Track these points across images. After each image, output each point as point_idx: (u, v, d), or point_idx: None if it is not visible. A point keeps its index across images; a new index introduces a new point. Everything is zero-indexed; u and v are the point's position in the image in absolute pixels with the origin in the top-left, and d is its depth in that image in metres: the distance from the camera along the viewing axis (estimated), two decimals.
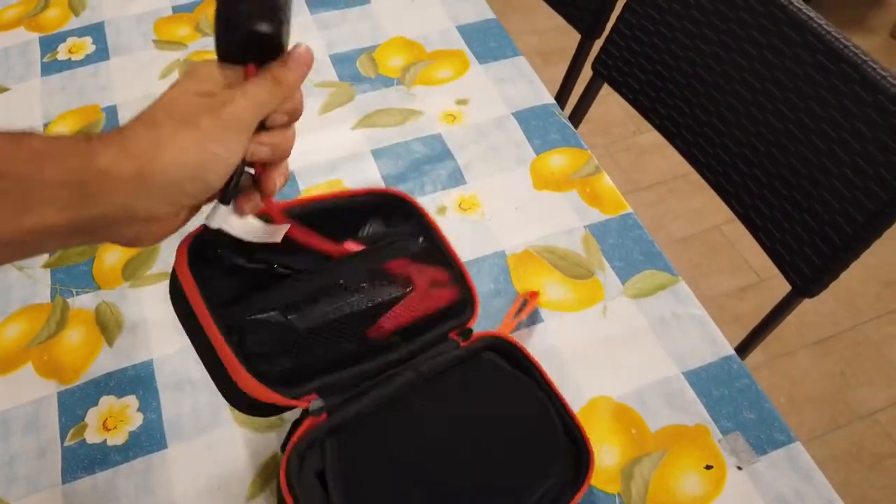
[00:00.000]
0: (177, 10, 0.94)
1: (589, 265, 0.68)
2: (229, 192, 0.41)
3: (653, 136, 1.06)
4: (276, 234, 0.46)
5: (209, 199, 0.41)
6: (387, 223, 0.58)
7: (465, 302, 0.58)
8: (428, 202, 0.73)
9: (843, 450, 1.40)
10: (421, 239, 0.58)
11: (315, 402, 0.48)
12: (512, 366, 0.56)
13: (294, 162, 0.77)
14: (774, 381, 1.49)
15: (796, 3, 0.81)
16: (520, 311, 0.64)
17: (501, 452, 0.51)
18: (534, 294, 0.66)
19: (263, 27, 0.37)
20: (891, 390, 1.48)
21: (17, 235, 0.34)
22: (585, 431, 0.52)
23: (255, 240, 0.45)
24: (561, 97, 1.16)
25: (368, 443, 0.50)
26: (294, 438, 0.47)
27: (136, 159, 0.35)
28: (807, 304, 0.88)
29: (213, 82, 0.38)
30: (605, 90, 1.08)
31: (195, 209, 0.41)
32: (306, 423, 0.48)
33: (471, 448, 0.51)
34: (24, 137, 0.34)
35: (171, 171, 0.36)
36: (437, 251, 0.58)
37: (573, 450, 0.51)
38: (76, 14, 0.94)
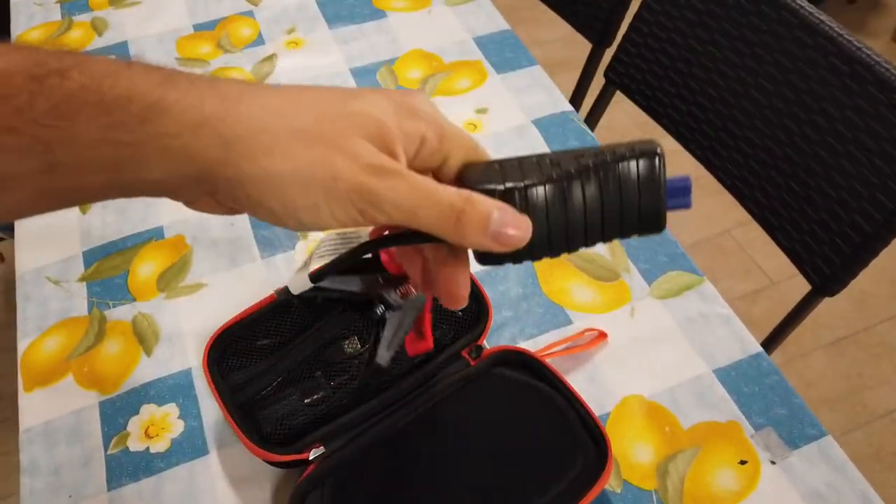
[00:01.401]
0: (198, 28, 0.96)
1: (615, 268, 0.69)
2: (322, 278, 0.37)
3: (664, 143, 1.07)
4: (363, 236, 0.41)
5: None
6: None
7: (473, 319, 0.60)
8: None
9: (861, 450, 1.40)
10: None
11: (316, 452, 0.52)
12: (530, 376, 0.57)
13: None
14: (790, 382, 1.49)
15: (807, 7, 0.83)
16: (577, 343, 0.63)
17: (516, 460, 0.53)
18: (603, 334, 0.64)
19: None
20: None
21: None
22: (602, 426, 0.53)
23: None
24: (574, 105, 1.17)
25: (369, 477, 0.52)
26: (298, 481, 0.51)
27: (226, 105, 0.29)
28: (820, 306, 0.89)
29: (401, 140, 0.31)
30: (616, 96, 1.09)
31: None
32: (310, 468, 0.52)
33: (482, 461, 0.53)
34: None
35: (257, 165, 0.29)
36: None
37: (594, 446, 0.53)
38: (99, 34, 0.96)
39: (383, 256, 0.46)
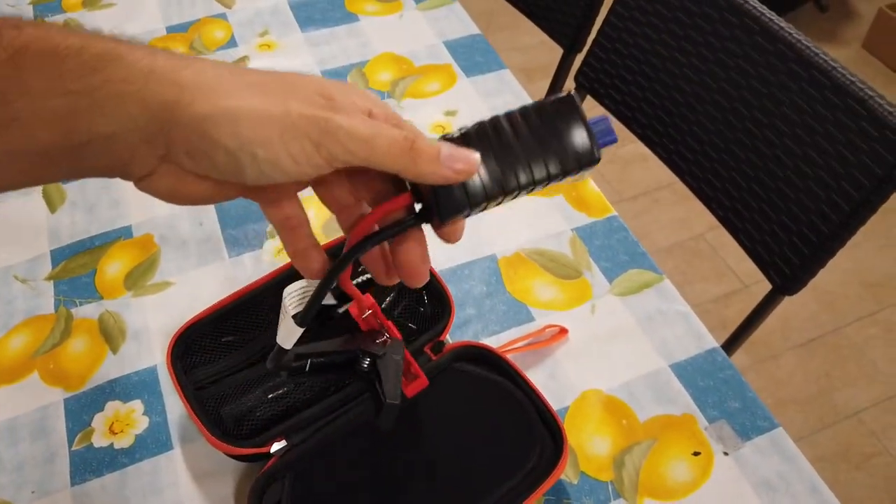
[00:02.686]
0: (171, 30, 0.97)
1: (577, 266, 0.71)
2: (308, 316, 0.37)
3: (635, 148, 1.09)
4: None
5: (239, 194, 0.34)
6: None
7: (439, 315, 0.61)
8: None
9: (830, 450, 1.43)
10: None
11: (277, 445, 0.53)
12: (490, 370, 0.58)
13: None
14: (761, 383, 1.52)
15: (768, 14, 0.85)
16: (538, 340, 0.65)
17: (476, 452, 0.54)
18: (563, 330, 0.66)
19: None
20: (874, 390, 1.51)
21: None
22: (559, 418, 0.55)
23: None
24: None
25: (330, 470, 0.53)
26: (258, 474, 0.52)
27: (182, 69, 0.30)
28: (790, 308, 0.91)
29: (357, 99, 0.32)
30: (588, 103, 1.11)
31: (223, 192, 0.34)
32: (270, 462, 0.53)
33: (442, 453, 0.54)
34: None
35: (224, 117, 0.29)
36: None
37: (551, 438, 0.54)
38: None
39: (354, 311, 0.46)
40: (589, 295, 0.69)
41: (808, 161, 0.82)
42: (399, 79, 0.90)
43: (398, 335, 0.46)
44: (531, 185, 0.34)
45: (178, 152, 0.31)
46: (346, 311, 0.45)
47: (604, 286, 0.69)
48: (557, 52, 1.15)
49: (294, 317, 0.37)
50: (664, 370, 0.63)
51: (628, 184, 1.89)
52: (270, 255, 0.72)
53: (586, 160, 0.34)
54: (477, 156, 0.33)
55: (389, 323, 0.46)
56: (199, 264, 0.71)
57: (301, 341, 0.40)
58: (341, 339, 0.46)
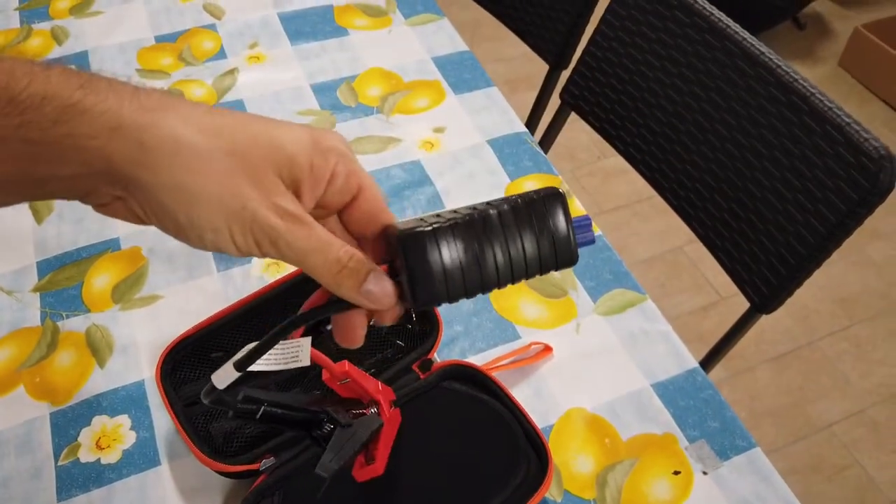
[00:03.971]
0: (159, 39, 0.97)
1: (562, 285, 0.72)
2: (244, 364, 0.36)
3: (616, 161, 1.11)
4: (303, 354, 0.39)
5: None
6: None
7: (427, 333, 0.62)
8: None
9: (802, 462, 1.46)
10: None
11: (266, 462, 0.54)
12: (477, 389, 0.59)
13: None
14: (735, 396, 1.55)
15: (749, 39, 0.87)
16: (523, 357, 0.66)
17: (462, 470, 0.55)
18: (548, 348, 0.66)
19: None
20: (846, 403, 1.55)
21: None
22: (544, 437, 0.56)
23: (279, 367, 0.39)
24: (530, 125, 1.21)
25: (318, 488, 0.53)
26: (248, 492, 0.52)
27: (144, 113, 0.30)
28: (765, 322, 0.93)
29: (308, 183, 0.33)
30: (571, 116, 1.13)
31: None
32: (260, 479, 0.53)
33: (430, 471, 0.55)
34: None
35: (174, 172, 0.30)
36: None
37: (536, 457, 0.55)
38: (59, 43, 0.96)
39: (326, 377, 0.46)
40: (574, 314, 0.70)
41: (785, 183, 0.84)
42: (388, 94, 0.91)
43: (385, 403, 0.46)
44: (508, 283, 0.34)
45: (133, 202, 0.31)
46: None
47: (588, 305, 0.71)
48: (540, 64, 1.17)
49: (236, 361, 0.36)
50: (646, 389, 0.65)
51: (608, 196, 1.92)
52: (259, 270, 0.72)
53: (565, 261, 0.34)
54: (393, 300, 0.34)
55: (374, 388, 0.45)
56: (187, 278, 0.71)
57: (287, 381, 0.39)
58: (312, 398, 0.46)
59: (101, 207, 0.32)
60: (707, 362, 0.97)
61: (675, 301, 1.70)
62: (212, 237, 0.31)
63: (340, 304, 0.35)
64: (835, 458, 1.46)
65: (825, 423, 1.52)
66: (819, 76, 2.32)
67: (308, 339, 0.39)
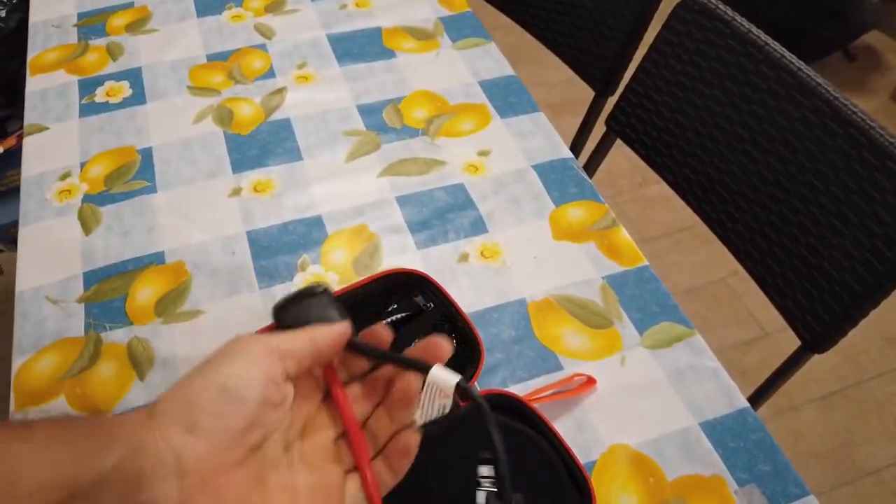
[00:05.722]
0: (211, 58, 0.98)
1: (607, 315, 0.70)
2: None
3: (659, 188, 1.09)
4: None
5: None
6: (400, 299, 0.65)
7: (468, 360, 0.61)
8: (450, 249, 0.76)
9: None
10: (430, 305, 0.63)
11: None
12: (517, 420, 0.58)
13: (322, 206, 0.80)
14: (780, 435, 1.50)
15: (805, 70, 0.85)
16: (565, 388, 0.64)
17: None
18: (592, 380, 0.65)
19: None
20: (895, 448, 1.48)
21: None
22: (588, 475, 0.54)
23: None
24: (574, 150, 1.20)
25: None
26: None
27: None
28: (812, 360, 0.90)
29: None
30: (617, 147, 1.11)
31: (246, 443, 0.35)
32: None
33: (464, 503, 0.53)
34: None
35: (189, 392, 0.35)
36: (445, 314, 0.64)
37: (579, 495, 0.53)
38: (114, 59, 0.98)
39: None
40: (619, 346, 0.68)
41: (842, 218, 0.81)
42: (434, 116, 0.91)
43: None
44: None
45: None
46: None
47: (634, 338, 0.69)
48: (583, 88, 1.16)
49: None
50: (693, 428, 0.62)
51: (650, 224, 1.89)
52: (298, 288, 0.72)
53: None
54: None
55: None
56: (229, 294, 0.71)
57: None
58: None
59: None
60: (753, 400, 0.94)
61: (716, 334, 1.66)
62: None
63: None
64: None
65: (873, 467, 1.45)
66: (870, 109, 2.25)
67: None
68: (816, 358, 0.89)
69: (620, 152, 1.11)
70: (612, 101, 1.11)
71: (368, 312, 0.64)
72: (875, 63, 2.43)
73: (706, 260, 1.78)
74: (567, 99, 2.21)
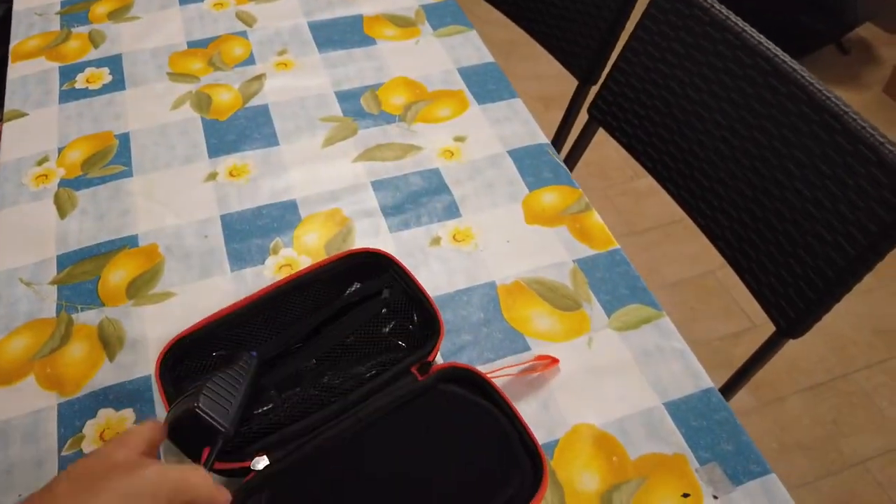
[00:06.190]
0: (191, 45, 0.99)
1: (576, 297, 0.71)
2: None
3: (650, 181, 1.09)
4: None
5: None
6: (364, 279, 0.66)
7: (426, 337, 0.61)
8: (423, 233, 0.76)
9: (834, 498, 1.40)
10: (391, 286, 0.64)
11: (258, 460, 0.53)
12: (475, 393, 0.58)
13: (297, 191, 0.80)
14: (766, 426, 1.50)
15: (781, 56, 0.85)
16: (526, 368, 0.65)
17: (455, 475, 0.53)
18: (555, 360, 0.65)
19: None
20: (881, 439, 1.48)
21: None
22: (540, 446, 0.54)
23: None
24: (558, 139, 1.20)
25: (309, 487, 0.53)
26: (237, 488, 0.52)
27: None
28: (798, 351, 0.90)
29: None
30: (604, 134, 1.11)
31: None
32: (249, 476, 0.53)
33: (422, 475, 0.54)
34: None
35: None
36: (406, 294, 0.63)
37: (532, 466, 0.53)
38: (95, 46, 0.98)
39: None
40: (587, 328, 0.68)
41: (816, 204, 0.81)
42: (412, 103, 0.91)
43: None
44: None
45: None
46: None
47: (602, 320, 0.69)
48: (575, 82, 1.16)
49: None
50: (658, 408, 0.62)
51: (640, 217, 1.89)
52: (272, 271, 0.72)
53: None
54: None
55: None
56: (201, 276, 0.72)
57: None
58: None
59: None
60: (731, 386, 0.94)
61: (705, 326, 1.66)
62: None
63: None
64: (868, 495, 1.40)
65: (859, 458, 1.45)
66: (863, 102, 2.26)
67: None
68: (803, 349, 0.89)
69: (612, 145, 1.11)
70: (595, 90, 1.11)
71: (331, 292, 0.64)
72: (868, 57, 2.43)
73: (696, 252, 1.78)
74: (560, 92, 2.21)
